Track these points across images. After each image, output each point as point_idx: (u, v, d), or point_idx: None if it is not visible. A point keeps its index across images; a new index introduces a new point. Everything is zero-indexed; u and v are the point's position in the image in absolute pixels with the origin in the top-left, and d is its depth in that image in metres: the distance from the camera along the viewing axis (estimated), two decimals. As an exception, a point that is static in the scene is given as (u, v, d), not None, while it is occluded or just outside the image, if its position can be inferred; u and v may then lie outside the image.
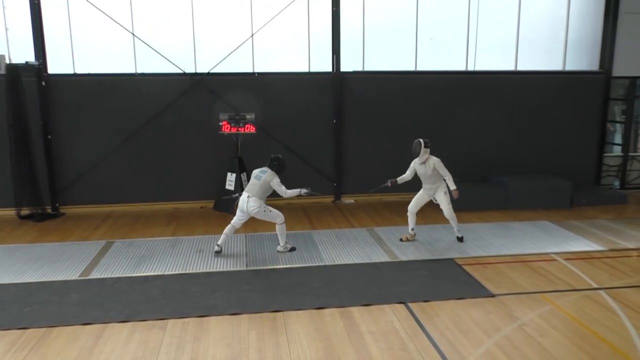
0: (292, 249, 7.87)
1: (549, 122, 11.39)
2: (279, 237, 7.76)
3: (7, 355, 4.94)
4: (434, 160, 7.84)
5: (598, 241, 8.25)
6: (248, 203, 7.44)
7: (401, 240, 8.27)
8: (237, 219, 7.64)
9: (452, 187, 7.89)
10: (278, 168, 7.58)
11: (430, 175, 7.91)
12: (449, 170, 7.91)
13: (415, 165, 8.00)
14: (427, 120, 10.94)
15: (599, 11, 11.29)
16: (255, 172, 7.64)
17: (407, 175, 8.13)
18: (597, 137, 11.70)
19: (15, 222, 9.52)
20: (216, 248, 7.70)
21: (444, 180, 7.95)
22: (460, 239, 8.21)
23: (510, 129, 11.29)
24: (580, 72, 11.44)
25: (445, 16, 10.84)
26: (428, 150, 7.83)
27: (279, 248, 7.82)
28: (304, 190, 7.67)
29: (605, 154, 11.88)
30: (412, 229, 8.31)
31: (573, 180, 10.69)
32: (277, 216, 7.63)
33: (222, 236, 7.69)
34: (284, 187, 7.49)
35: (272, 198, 10.52)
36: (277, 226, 7.69)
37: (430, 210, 10.16)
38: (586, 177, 11.67)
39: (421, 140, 7.84)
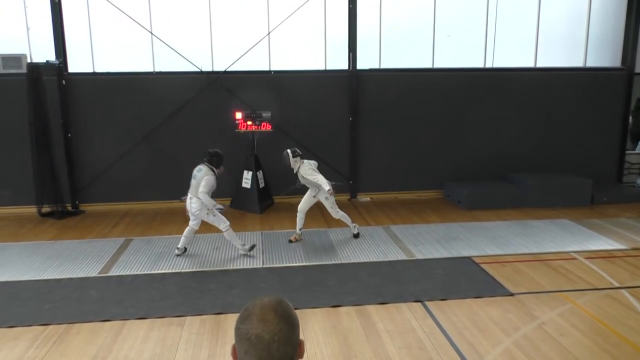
0: (252, 247, 7.59)
1: (570, 119, 11.22)
2: (231, 241, 7.48)
3: (29, 351, 5.02)
4: (304, 168, 7.73)
5: (620, 240, 8.11)
6: (191, 205, 7.27)
7: (290, 241, 8.15)
8: (191, 221, 7.47)
9: (326, 188, 7.68)
10: (217, 163, 7.20)
11: (307, 182, 7.84)
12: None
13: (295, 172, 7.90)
14: (444, 118, 10.87)
15: (621, 6, 11.08)
16: (194, 171, 7.29)
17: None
18: (619, 134, 11.49)
19: (36, 220, 9.67)
20: (176, 252, 7.53)
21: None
22: (356, 235, 8.24)
23: (530, 126, 11.15)
24: (601, 69, 11.24)
25: (463, 12, 10.73)
26: (298, 158, 7.74)
27: (240, 251, 7.54)
28: (218, 207, 7.32)
29: (628, 152, 11.68)
30: (300, 229, 8.19)
31: (594, 178, 10.52)
32: (220, 221, 7.32)
33: (182, 239, 7.54)
34: (206, 189, 7.05)
35: (286, 195, 10.64)
36: (224, 233, 7.38)
37: (447, 208, 10.11)
38: (607, 174, 11.48)
39: (288, 150, 7.75)
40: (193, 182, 7.27)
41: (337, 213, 8.11)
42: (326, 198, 7.96)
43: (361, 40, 10.52)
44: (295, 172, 7.86)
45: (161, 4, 10.03)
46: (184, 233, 7.56)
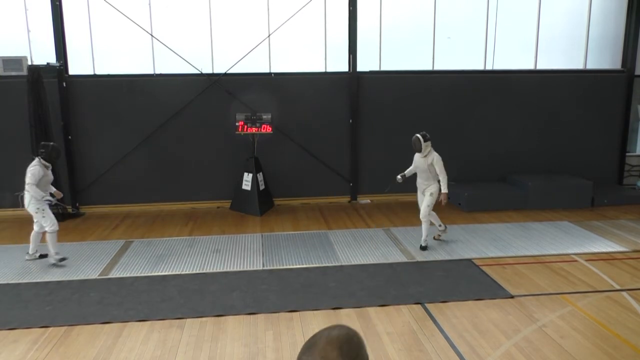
0: (63, 259, 7.30)
1: (570, 121, 11.23)
2: (49, 246, 7.19)
3: (29, 353, 5.02)
4: (434, 157, 7.65)
5: (620, 242, 8.11)
6: (25, 199, 7.05)
7: (434, 238, 8.15)
8: (34, 224, 7.29)
9: (444, 189, 7.61)
10: (45, 155, 7.06)
11: (425, 170, 7.71)
12: (448, 173, 7.68)
13: (415, 157, 7.85)
14: (445, 120, 10.86)
15: (622, 8, 11.09)
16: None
17: (411, 169, 7.98)
18: (619, 136, 11.50)
19: (36, 222, 9.67)
20: (27, 257, 7.41)
21: (438, 180, 7.70)
22: (423, 248, 7.76)
23: (530, 128, 11.16)
24: (602, 71, 11.25)
25: (464, 14, 10.74)
26: (429, 143, 7.68)
27: (50, 259, 7.31)
28: (47, 198, 7.08)
29: (628, 154, 11.70)
30: (440, 225, 8.11)
31: (594, 180, 10.53)
32: (47, 223, 7.08)
33: (31, 244, 7.39)
34: (32, 180, 6.90)
35: (286, 197, 10.67)
36: (47, 234, 7.15)
37: (446, 211, 10.09)
38: (608, 177, 11.48)
39: (419, 135, 7.69)
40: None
41: (427, 214, 7.78)
42: (431, 194, 7.71)
43: (361, 42, 10.53)
44: (423, 155, 7.66)
45: (162, 6, 10.05)
46: (30, 237, 7.38)
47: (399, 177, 8.01)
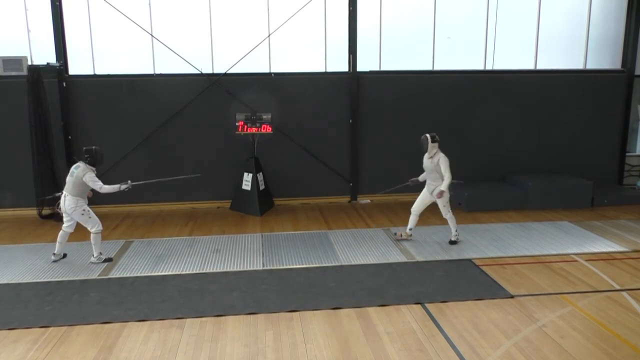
0: (108, 260, 7.44)
1: (570, 121, 11.24)
2: (92, 246, 7.33)
3: (29, 353, 5.02)
4: (440, 157, 7.69)
5: (620, 242, 8.11)
6: (65, 202, 7.15)
7: (395, 234, 8.32)
8: (65, 223, 7.32)
9: (442, 187, 7.67)
10: (91, 160, 7.13)
11: (432, 171, 7.79)
12: (453, 174, 7.71)
13: (424, 158, 7.93)
14: (445, 120, 10.86)
15: (622, 8, 11.10)
16: (71, 169, 7.24)
17: (424, 174, 8.08)
18: (619, 136, 11.50)
19: (36, 222, 9.68)
20: (53, 257, 7.44)
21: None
22: (453, 242, 8.02)
23: (530, 128, 11.17)
24: (602, 71, 11.26)
25: (464, 14, 10.75)
26: (436, 144, 7.74)
27: (92, 259, 7.40)
28: (124, 186, 7.28)
29: (628, 154, 11.70)
30: (410, 229, 8.21)
31: (594, 180, 10.53)
32: (93, 223, 7.25)
33: (57, 245, 7.41)
34: (99, 183, 7.08)
35: (286, 197, 10.67)
36: (91, 235, 7.29)
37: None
38: (608, 177, 11.49)
39: (427, 135, 7.75)
40: (69, 178, 7.17)
41: (447, 213, 7.93)
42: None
43: (361, 42, 10.53)
44: (429, 156, 7.76)
45: (162, 6, 10.05)
46: (58, 239, 7.40)
47: (410, 181, 8.16)
